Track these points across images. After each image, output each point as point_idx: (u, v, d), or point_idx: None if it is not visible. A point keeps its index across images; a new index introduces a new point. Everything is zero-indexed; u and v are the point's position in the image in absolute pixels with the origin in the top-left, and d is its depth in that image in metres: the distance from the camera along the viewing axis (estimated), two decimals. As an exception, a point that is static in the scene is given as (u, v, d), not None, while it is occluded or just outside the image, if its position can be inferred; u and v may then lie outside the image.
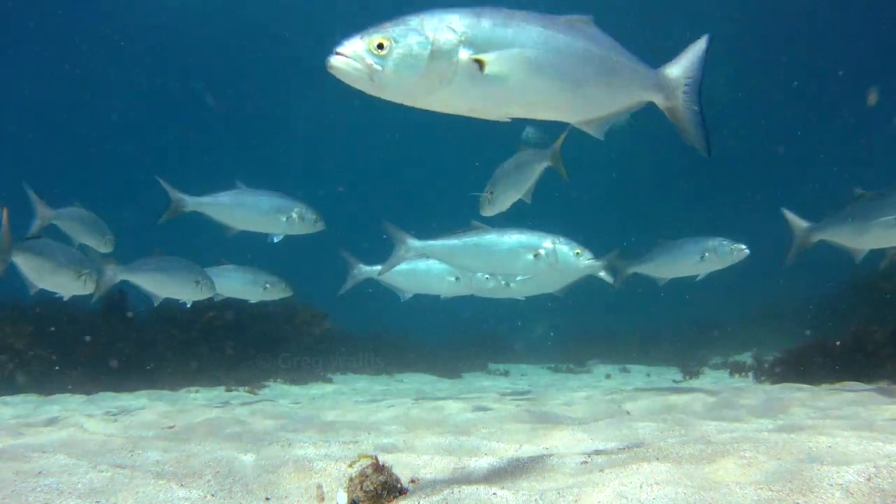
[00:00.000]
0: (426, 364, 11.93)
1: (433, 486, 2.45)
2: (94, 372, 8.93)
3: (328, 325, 11.49)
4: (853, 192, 4.86)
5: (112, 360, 9.21)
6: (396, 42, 2.12)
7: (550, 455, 2.93)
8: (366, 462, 2.39)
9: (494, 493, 2.30)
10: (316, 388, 9.31)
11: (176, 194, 5.62)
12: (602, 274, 5.50)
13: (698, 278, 6.11)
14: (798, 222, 5.29)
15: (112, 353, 9.42)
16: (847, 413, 4.30)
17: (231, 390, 8.71)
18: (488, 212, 4.94)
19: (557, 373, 12.50)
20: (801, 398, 5.19)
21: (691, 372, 10.18)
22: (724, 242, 5.82)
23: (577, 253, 4.51)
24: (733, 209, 26.27)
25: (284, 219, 5.46)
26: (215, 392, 8.58)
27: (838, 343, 7.01)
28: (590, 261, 4.54)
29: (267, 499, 2.60)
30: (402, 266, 5.39)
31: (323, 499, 2.57)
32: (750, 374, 7.57)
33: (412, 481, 2.62)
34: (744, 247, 5.78)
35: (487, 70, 2.20)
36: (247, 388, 8.82)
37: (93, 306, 10.04)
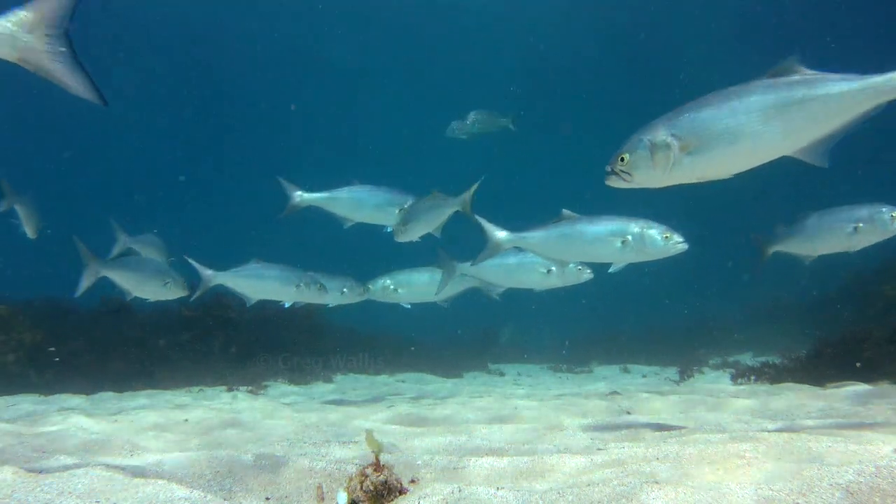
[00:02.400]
0: (427, 364, 11.93)
1: (433, 485, 2.45)
2: (94, 372, 8.94)
3: (340, 330, 11.60)
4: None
5: (113, 361, 9.23)
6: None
7: (551, 455, 2.93)
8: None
9: (494, 493, 2.30)
10: (317, 388, 9.31)
11: (293, 191, 6.01)
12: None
13: (852, 252, 5.32)
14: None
15: (113, 353, 9.44)
16: (847, 413, 4.30)
17: (232, 390, 8.71)
18: (400, 239, 5.72)
19: (557, 373, 12.50)
20: (801, 398, 5.19)
21: (690, 372, 10.18)
22: (883, 209, 4.94)
23: (666, 237, 4.44)
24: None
25: (398, 211, 5.79)
26: (216, 392, 8.58)
27: (840, 343, 6.98)
28: (680, 244, 4.41)
29: (267, 498, 2.60)
30: (493, 260, 5.32)
31: (323, 498, 2.57)
32: (752, 376, 7.56)
33: (412, 481, 2.62)
34: None
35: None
36: (248, 387, 8.82)
37: (98, 307, 10.15)
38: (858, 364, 6.51)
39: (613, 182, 3.12)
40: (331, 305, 6.64)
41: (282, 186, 6.07)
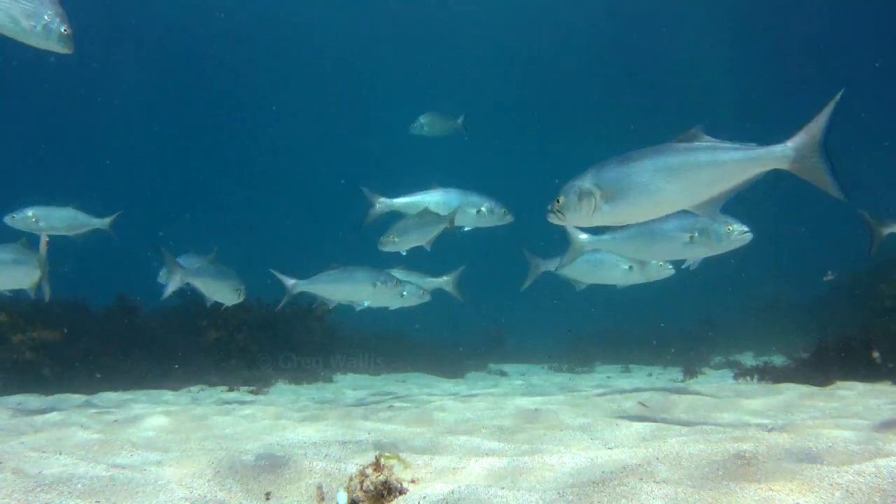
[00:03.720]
0: (427, 364, 11.93)
1: (433, 485, 2.45)
2: (95, 371, 8.95)
3: (341, 330, 11.70)
4: None
5: (115, 361, 9.26)
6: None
7: (551, 455, 2.93)
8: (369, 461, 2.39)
9: (495, 493, 2.30)
10: (318, 388, 9.32)
11: (375, 198, 6.29)
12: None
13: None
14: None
15: (116, 353, 9.46)
16: (847, 413, 4.30)
17: (233, 390, 8.72)
18: (387, 249, 6.17)
19: (559, 373, 12.50)
20: (801, 398, 5.19)
21: (694, 372, 10.19)
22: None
23: (729, 229, 4.48)
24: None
25: (475, 212, 6.04)
26: (217, 392, 8.59)
27: (845, 343, 6.97)
28: (745, 234, 4.48)
29: (267, 498, 2.60)
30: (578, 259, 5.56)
31: (323, 498, 2.57)
32: (755, 375, 7.57)
33: (412, 481, 2.62)
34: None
35: None
36: (250, 387, 8.82)
37: (103, 308, 10.21)
38: (876, 355, 6.49)
39: (552, 219, 3.53)
40: (394, 307, 6.88)
41: (364, 194, 6.33)
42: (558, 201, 3.43)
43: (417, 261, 6.66)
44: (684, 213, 4.46)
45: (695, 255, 4.66)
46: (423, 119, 11.63)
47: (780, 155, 3.02)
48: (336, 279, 6.07)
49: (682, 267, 5.03)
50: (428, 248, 6.25)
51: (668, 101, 28.39)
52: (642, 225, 4.56)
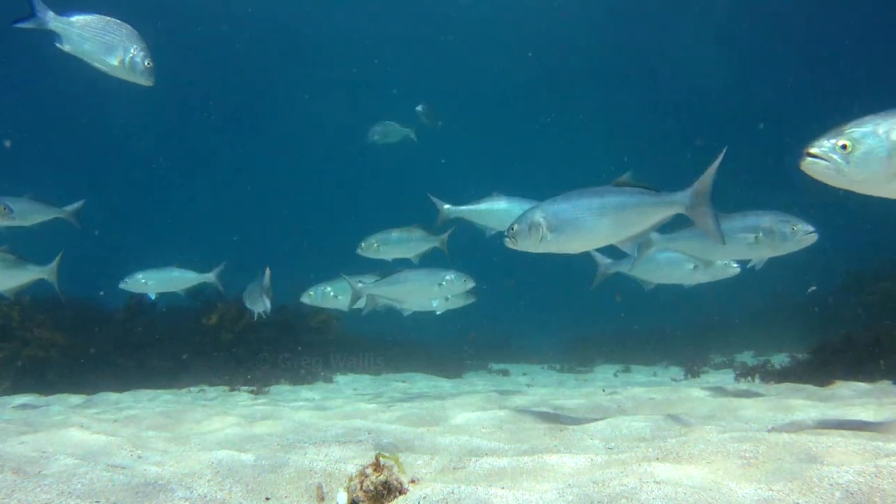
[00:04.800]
0: (427, 365, 11.93)
1: (433, 485, 2.45)
2: (95, 371, 8.96)
3: (337, 326, 11.74)
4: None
5: (116, 361, 9.28)
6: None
7: (551, 455, 2.93)
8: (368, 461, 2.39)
9: (495, 493, 2.30)
10: (318, 388, 9.31)
11: (442, 205, 6.47)
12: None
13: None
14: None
15: (117, 353, 9.48)
16: (848, 413, 4.29)
17: (234, 390, 8.72)
18: (366, 255, 6.64)
19: (561, 374, 12.50)
20: (802, 398, 5.18)
21: (695, 372, 10.20)
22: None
23: (794, 228, 4.48)
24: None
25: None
26: (218, 392, 8.59)
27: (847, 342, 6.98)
28: (810, 234, 4.48)
29: (267, 499, 2.60)
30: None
31: (323, 499, 2.57)
32: (757, 376, 7.57)
33: (412, 481, 2.62)
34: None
35: None
36: (250, 388, 8.82)
37: (123, 309, 10.25)
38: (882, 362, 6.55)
39: (507, 244, 3.96)
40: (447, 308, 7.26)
41: (432, 201, 6.54)
42: (512, 229, 3.91)
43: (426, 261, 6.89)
44: (752, 212, 4.52)
45: (759, 255, 4.69)
46: (376, 128, 12.19)
47: (679, 202, 3.61)
48: (401, 281, 6.23)
49: (747, 267, 5.04)
50: (415, 262, 6.64)
51: (668, 100, 28.44)
52: None
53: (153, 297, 7.97)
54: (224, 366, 9.73)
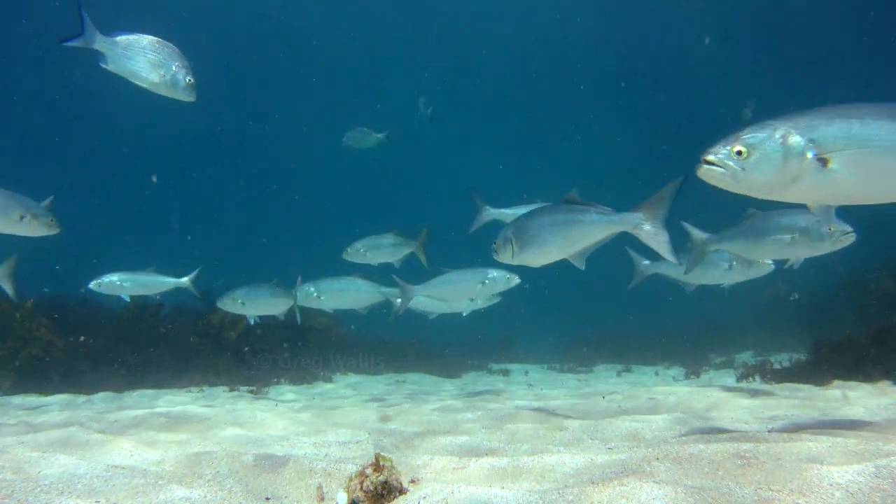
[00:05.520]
0: (428, 365, 11.94)
1: (433, 485, 2.45)
2: (95, 371, 8.96)
3: (342, 331, 11.85)
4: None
5: (116, 361, 9.28)
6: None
7: (551, 455, 2.93)
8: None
9: (495, 493, 2.30)
10: (318, 388, 9.31)
11: (483, 206, 6.62)
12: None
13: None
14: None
15: (116, 354, 9.47)
16: (848, 413, 4.29)
17: (234, 390, 8.72)
18: (353, 259, 6.89)
19: (561, 373, 12.50)
20: (802, 398, 5.18)
21: (697, 372, 10.20)
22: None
23: (831, 229, 4.47)
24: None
25: None
26: (218, 392, 8.58)
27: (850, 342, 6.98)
28: (847, 234, 4.48)
29: (267, 499, 2.60)
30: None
31: (323, 499, 2.57)
32: (757, 375, 7.57)
33: (412, 481, 2.62)
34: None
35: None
36: (250, 388, 8.82)
37: (124, 309, 10.27)
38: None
39: (494, 256, 4.27)
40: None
41: (474, 201, 6.65)
42: (495, 244, 4.25)
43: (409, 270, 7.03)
44: (789, 211, 4.53)
45: (797, 254, 4.70)
46: (350, 133, 12.56)
47: (629, 221, 3.78)
48: (446, 282, 6.34)
49: (785, 267, 5.05)
50: (396, 266, 6.90)
51: (667, 98, 28.43)
52: (751, 225, 4.71)
53: (127, 299, 7.89)
54: (224, 366, 9.72)
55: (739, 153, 2.72)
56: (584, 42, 28.09)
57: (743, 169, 2.72)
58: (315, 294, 7.00)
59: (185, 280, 7.87)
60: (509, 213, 6.39)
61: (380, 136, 12.73)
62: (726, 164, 2.74)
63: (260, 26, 29.78)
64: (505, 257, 4.22)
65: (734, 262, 5.69)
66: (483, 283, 6.28)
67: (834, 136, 2.65)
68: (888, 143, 2.65)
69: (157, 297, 8.47)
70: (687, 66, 26.47)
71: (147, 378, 9.04)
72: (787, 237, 4.55)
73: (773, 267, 5.65)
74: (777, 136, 2.70)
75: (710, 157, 2.76)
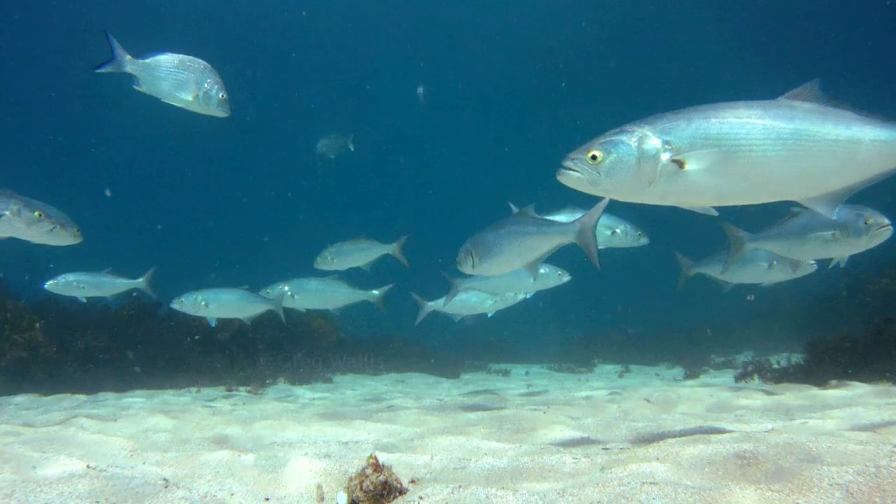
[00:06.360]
0: (428, 365, 11.94)
1: (433, 486, 2.44)
2: (95, 371, 8.96)
3: (342, 335, 11.88)
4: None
5: (116, 361, 9.28)
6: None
7: (551, 455, 2.93)
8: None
9: (495, 493, 2.30)
10: (318, 389, 9.32)
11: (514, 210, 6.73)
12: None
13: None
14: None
15: (115, 354, 9.47)
16: (848, 413, 4.29)
17: (232, 390, 8.72)
18: (320, 267, 7.07)
19: (560, 373, 12.50)
20: (801, 398, 5.18)
21: (696, 372, 10.19)
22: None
23: (868, 222, 4.43)
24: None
25: (610, 233, 6.22)
26: (217, 392, 8.58)
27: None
28: (884, 228, 4.43)
29: (267, 499, 2.60)
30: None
31: (323, 499, 2.57)
32: (756, 376, 7.57)
33: (412, 481, 2.62)
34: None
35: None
36: (248, 388, 8.82)
37: (119, 309, 10.26)
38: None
39: (458, 267, 4.51)
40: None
41: (510, 209, 6.64)
42: (459, 256, 4.48)
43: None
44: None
45: (839, 252, 4.67)
46: (322, 141, 12.87)
47: (569, 231, 4.12)
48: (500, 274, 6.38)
49: (830, 266, 5.02)
50: (366, 270, 7.14)
51: (666, 91, 28.46)
52: (794, 224, 4.68)
53: (83, 300, 8.06)
54: (221, 365, 9.72)
55: (594, 157, 2.75)
56: (582, 42, 28.11)
57: (599, 173, 2.75)
58: (289, 293, 7.15)
59: (139, 281, 7.89)
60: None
61: (346, 139, 12.91)
62: (582, 169, 2.78)
63: (260, 25, 29.81)
64: (466, 267, 4.44)
65: (775, 262, 5.65)
66: (535, 277, 6.28)
67: (691, 137, 2.65)
68: (742, 141, 2.64)
69: (156, 296, 8.46)
70: (687, 67, 26.49)
71: (143, 379, 9.03)
72: (828, 234, 4.49)
73: (815, 267, 5.60)
74: (633, 140, 2.71)
75: (568, 163, 2.81)
